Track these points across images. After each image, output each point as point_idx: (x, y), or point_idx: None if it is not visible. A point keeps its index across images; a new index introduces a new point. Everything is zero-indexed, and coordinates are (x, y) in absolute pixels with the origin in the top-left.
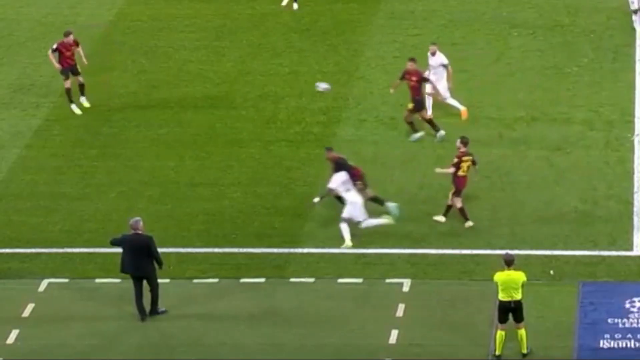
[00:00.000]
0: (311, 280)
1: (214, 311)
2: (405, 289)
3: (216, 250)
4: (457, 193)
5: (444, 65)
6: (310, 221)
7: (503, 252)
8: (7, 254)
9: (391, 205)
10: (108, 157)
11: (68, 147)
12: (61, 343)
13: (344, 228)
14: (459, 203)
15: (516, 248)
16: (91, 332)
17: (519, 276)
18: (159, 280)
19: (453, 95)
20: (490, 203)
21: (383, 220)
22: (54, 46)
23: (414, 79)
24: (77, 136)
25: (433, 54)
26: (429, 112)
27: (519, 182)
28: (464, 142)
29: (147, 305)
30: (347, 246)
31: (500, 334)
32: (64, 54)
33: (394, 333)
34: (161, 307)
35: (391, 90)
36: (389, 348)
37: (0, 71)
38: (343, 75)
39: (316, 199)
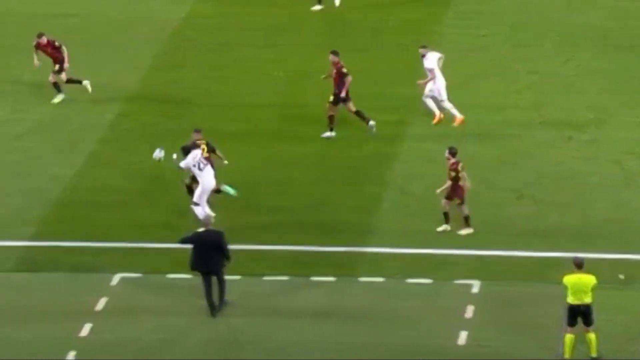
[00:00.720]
0: (380, 279)
1: (284, 309)
2: (475, 290)
3: (287, 247)
4: (463, 201)
5: (430, 70)
6: (380, 220)
7: (572, 254)
8: (81, 247)
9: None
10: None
11: (139, 142)
12: (133, 337)
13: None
14: (447, 206)
15: (585, 251)
16: (162, 326)
17: (589, 279)
18: (230, 277)
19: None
20: (560, 205)
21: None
22: (34, 43)
23: (334, 71)
24: (148, 131)
25: (423, 56)
26: (436, 112)
27: (589, 185)
28: (453, 152)
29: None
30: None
31: (569, 337)
32: (43, 54)
33: (463, 334)
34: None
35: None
36: (457, 349)
37: (75, 67)
38: (411, 75)
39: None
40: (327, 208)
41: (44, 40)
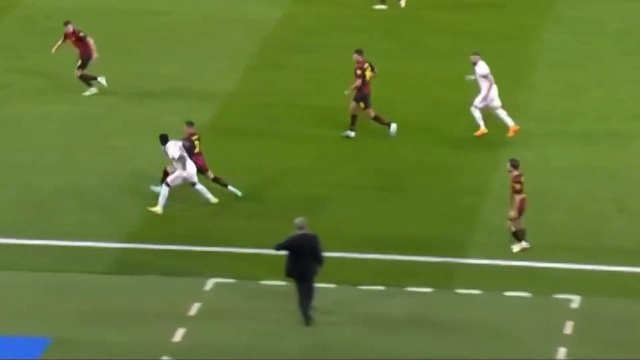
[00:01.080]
0: (477, 292)
1: (378, 318)
2: (574, 305)
3: (382, 256)
4: (520, 214)
5: (484, 76)
6: (478, 231)
7: None
8: (175, 251)
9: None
10: (273, 156)
11: (235, 143)
12: (225, 343)
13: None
14: (516, 224)
15: None
16: (254, 333)
17: None
18: (325, 285)
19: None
20: None
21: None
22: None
23: (358, 72)
24: (241, 133)
25: (475, 64)
26: (481, 125)
27: None
28: (515, 165)
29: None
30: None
31: None
32: (69, 43)
33: (562, 351)
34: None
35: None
36: None
37: (168, 67)
38: (511, 81)
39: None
40: (426, 217)
41: (70, 28)
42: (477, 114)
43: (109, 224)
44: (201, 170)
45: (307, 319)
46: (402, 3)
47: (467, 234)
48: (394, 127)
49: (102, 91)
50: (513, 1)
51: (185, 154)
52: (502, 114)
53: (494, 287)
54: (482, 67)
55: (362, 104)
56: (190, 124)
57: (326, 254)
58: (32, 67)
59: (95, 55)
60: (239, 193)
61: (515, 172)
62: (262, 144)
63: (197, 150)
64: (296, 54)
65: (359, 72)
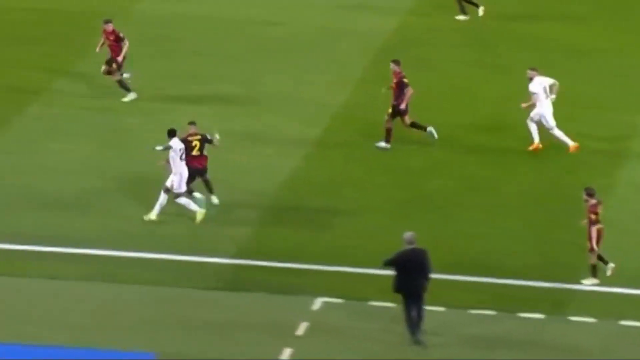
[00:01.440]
0: (592, 320)
1: (486, 343)
2: None
3: (492, 280)
4: (597, 245)
5: (533, 93)
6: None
7: None
8: (284, 268)
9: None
10: (380, 173)
11: (344, 161)
12: None
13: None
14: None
15: None
16: (363, 354)
17: None
18: (434, 308)
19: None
20: None
21: (194, 207)
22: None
23: (394, 81)
24: (350, 150)
25: (531, 79)
26: (536, 139)
27: None
28: (591, 193)
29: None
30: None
31: None
32: (106, 42)
33: None
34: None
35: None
36: None
37: (278, 78)
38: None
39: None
40: (539, 241)
41: (110, 27)
42: (533, 128)
43: (218, 238)
44: (200, 172)
45: (418, 343)
46: (480, 12)
47: (581, 259)
48: (430, 129)
49: (214, 102)
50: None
51: (178, 157)
52: (558, 133)
53: (609, 315)
54: (534, 85)
55: (389, 112)
56: (192, 123)
57: (436, 276)
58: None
59: (120, 59)
60: (209, 203)
61: (592, 201)
62: (372, 160)
63: (195, 152)
64: (407, 68)
65: (405, 80)
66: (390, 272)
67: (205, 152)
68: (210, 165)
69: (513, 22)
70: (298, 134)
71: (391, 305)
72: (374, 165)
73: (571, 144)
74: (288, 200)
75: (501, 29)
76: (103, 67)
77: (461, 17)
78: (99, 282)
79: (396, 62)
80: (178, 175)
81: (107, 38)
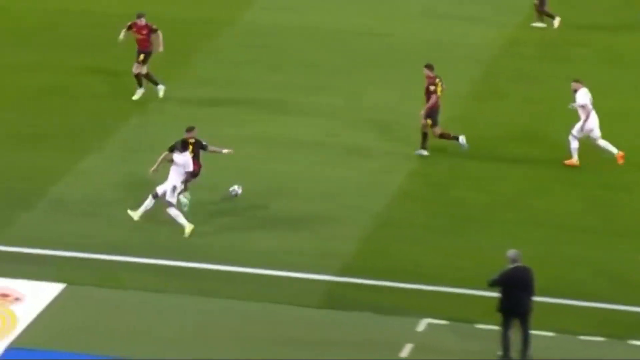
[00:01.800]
0: None
1: None
2: None
3: (601, 305)
4: None
5: (581, 106)
6: None
7: None
8: (388, 287)
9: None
10: (481, 191)
11: (448, 177)
12: None
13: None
14: None
15: None
16: None
17: None
18: (541, 333)
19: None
20: None
21: (182, 221)
22: (129, 23)
23: (431, 87)
24: (451, 168)
25: (575, 91)
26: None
27: None
28: None
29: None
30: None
31: None
32: (136, 36)
33: None
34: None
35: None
36: None
37: (381, 92)
38: None
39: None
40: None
41: (143, 22)
42: (574, 145)
43: (320, 254)
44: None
45: (507, 353)
46: (555, 23)
47: None
48: (462, 139)
49: (318, 114)
50: None
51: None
52: (603, 143)
53: None
54: (581, 96)
55: (429, 121)
56: (189, 129)
57: (545, 299)
58: (244, 85)
59: (161, 49)
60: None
61: None
62: (472, 177)
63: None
64: (516, 83)
65: (432, 88)
66: (497, 293)
67: (200, 159)
68: (314, 179)
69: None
70: (403, 149)
71: (497, 328)
72: (483, 182)
73: (616, 153)
74: (394, 217)
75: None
76: (137, 67)
77: (537, 24)
78: (199, 296)
79: (430, 66)
80: (173, 186)
81: (139, 32)
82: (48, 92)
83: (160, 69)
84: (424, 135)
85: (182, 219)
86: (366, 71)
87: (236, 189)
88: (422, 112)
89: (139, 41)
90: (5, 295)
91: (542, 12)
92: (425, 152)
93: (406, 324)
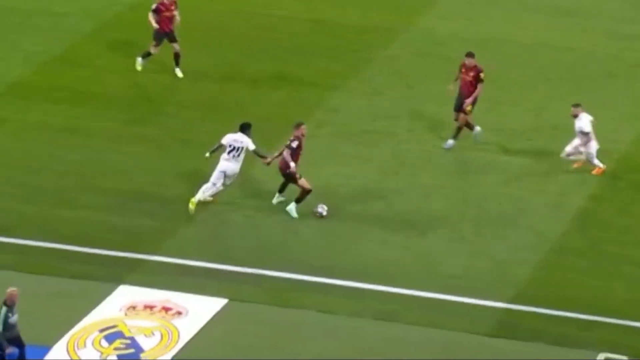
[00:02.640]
0: None
1: None
2: None
3: None
4: None
5: (584, 133)
6: None
7: None
8: (564, 317)
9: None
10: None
11: (628, 200)
12: None
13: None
14: None
15: None
16: None
17: None
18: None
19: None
20: None
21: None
22: (154, 6)
23: (471, 74)
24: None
25: (575, 116)
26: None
27: None
28: None
29: None
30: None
31: None
32: (163, 14)
33: None
34: None
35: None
36: None
37: (564, 108)
38: None
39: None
40: None
41: (173, 9)
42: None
43: (496, 279)
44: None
45: None
46: None
47: None
48: (477, 129)
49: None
50: None
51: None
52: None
53: None
54: (586, 124)
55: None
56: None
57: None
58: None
59: (169, 29)
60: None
61: None
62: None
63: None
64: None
65: (482, 75)
66: None
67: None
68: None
69: None
70: (583, 171)
71: None
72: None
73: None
74: (575, 242)
75: None
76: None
77: None
78: (372, 319)
79: (471, 54)
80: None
81: (162, 12)
82: None
83: (330, 76)
84: (460, 129)
85: (202, 194)
86: (550, 86)
87: (319, 209)
88: (469, 100)
89: (160, 23)
90: (167, 309)
91: None
92: (452, 142)
93: (582, 357)
